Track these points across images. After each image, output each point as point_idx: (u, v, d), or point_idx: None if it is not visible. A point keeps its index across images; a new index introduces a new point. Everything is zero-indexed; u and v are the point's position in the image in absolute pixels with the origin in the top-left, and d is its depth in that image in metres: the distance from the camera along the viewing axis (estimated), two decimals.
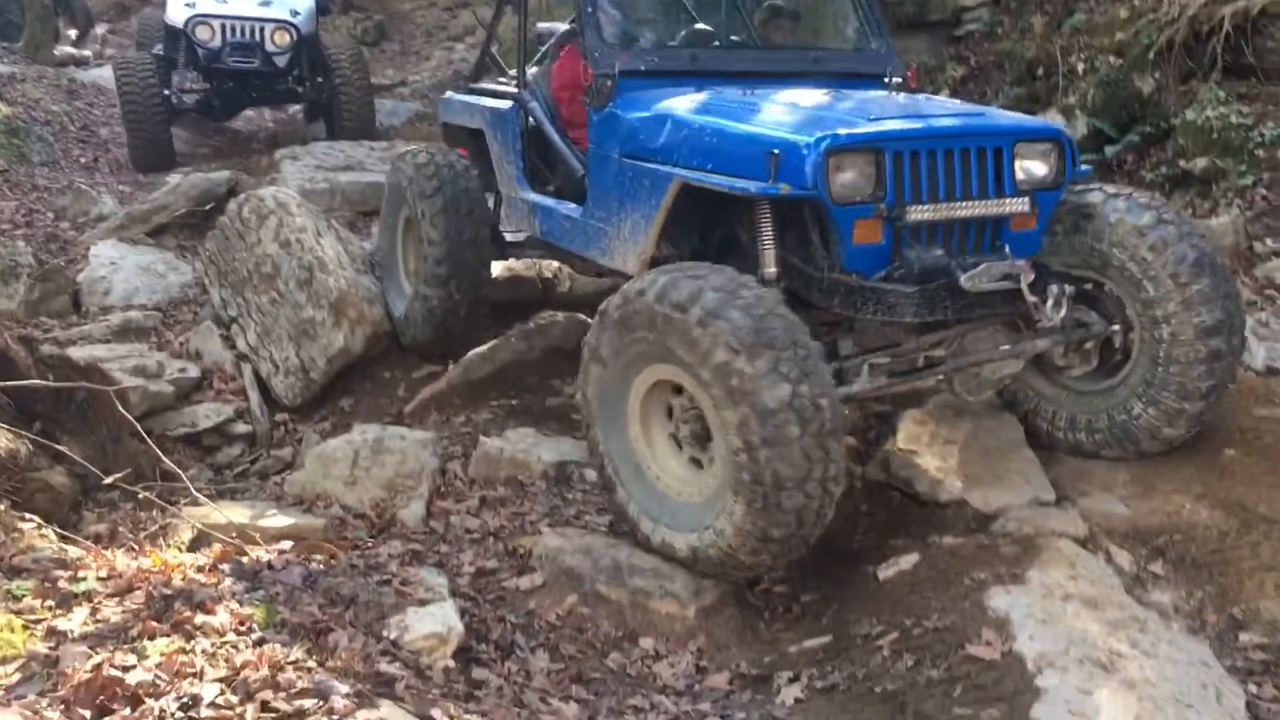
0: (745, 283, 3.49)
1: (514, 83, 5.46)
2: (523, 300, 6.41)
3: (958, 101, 5.00)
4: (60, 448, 4.13)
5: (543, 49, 5.65)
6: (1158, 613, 3.41)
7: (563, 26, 5.80)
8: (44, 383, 4.31)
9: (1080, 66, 7.31)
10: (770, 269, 3.82)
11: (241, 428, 5.61)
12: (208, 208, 7.71)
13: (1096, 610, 3.35)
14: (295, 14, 10.39)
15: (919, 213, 3.75)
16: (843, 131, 3.71)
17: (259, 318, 6.04)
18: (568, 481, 4.61)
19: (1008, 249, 3.89)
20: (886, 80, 4.86)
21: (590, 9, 4.60)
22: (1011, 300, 3.79)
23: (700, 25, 5.12)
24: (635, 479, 3.91)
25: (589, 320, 6.06)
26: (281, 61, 10.30)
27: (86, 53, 14.75)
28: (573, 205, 4.85)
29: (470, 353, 5.80)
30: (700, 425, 3.64)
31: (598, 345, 3.86)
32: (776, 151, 3.65)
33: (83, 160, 10.21)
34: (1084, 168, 4.23)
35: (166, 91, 9.86)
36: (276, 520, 4.24)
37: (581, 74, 4.62)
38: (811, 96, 4.35)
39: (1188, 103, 6.54)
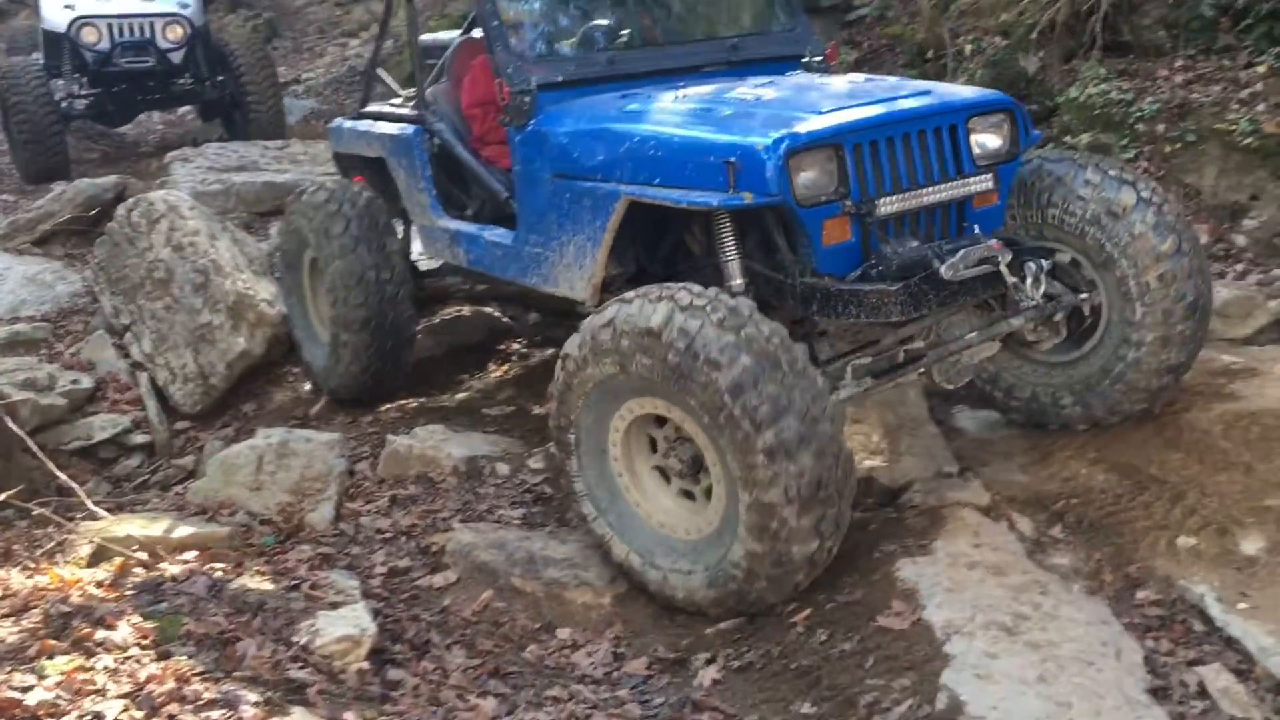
0: (736, 308, 3.24)
1: (411, 104, 5.13)
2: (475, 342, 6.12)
3: (891, 79, 4.77)
4: None
5: (438, 64, 5.24)
6: (1058, 576, 3.50)
7: (446, 36, 5.58)
8: None
9: (968, 48, 7.47)
10: (737, 281, 3.60)
11: (140, 438, 5.48)
12: (94, 214, 7.50)
13: (1001, 576, 3.44)
14: (185, 6, 10.00)
15: (889, 204, 3.58)
16: (800, 129, 3.48)
17: (154, 324, 5.88)
18: (479, 476, 4.58)
19: (977, 229, 3.74)
20: (806, 60, 4.69)
21: (495, 23, 4.30)
22: (992, 283, 3.64)
23: (604, 22, 4.82)
24: (623, 520, 3.66)
25: (495, 315, 6.09)
26: (177, 58, 9.88)
27: None
28: (501, 230, 4.52)
29: None
30: (691, 456, 3.44)
31: (567, 386, 3.59)
32: (733, 159, 3.43)
33: None
34: (1035, 133, 4.08)
35: (57, 98, 9.41)
36: (179, 530, 4.13)
37: (497, 91, 4.30)
38: (747, 91, 4.08)
39: (1071, 80, 6.71)
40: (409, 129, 4.97)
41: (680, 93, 4.10)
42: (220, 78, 10.17)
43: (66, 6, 9.69)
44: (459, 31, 5.49)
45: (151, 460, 5.40)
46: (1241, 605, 3.29)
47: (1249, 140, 5.65)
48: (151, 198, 6.24)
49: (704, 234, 3.96)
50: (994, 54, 7.23)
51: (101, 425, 5.41)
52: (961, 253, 3.51)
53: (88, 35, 9.51)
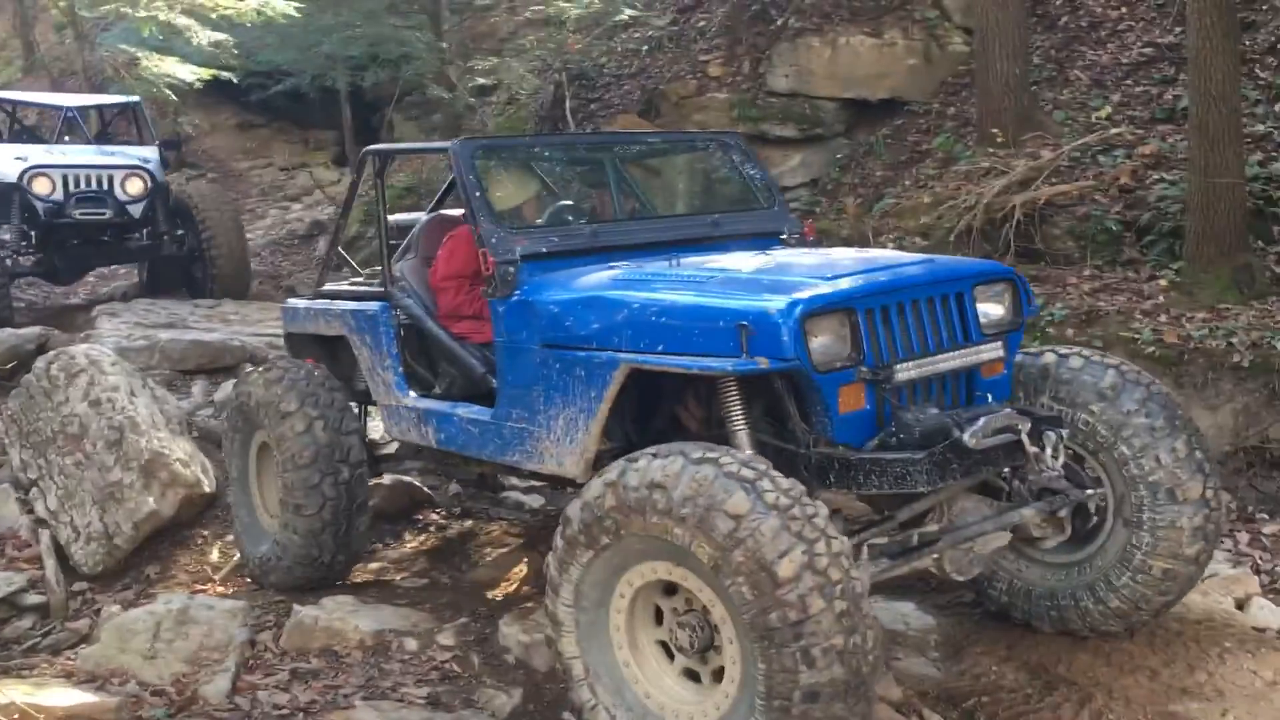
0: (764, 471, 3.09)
1: (373, 281, 5.09)
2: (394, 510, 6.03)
3: (884, 251, 4.84)
4: None
5: (404, 241, 5.22)
6: None
7: (411, 216, 5.58)
8: None
9: (890, 246, 7.81)
10: (746, 451, 3.39)
11: (34, 598, 5.26)
12: (11, 365, 7.36)
13: None
14: (145, 161, 9.73)
15: (906, 370, 3.50)
16: (814, 293, 3.41)
17: (62, 480, 5.74)
18: (386, 651, 4.45)
19: (990, 398, 3.71)
20: (785, 238, 4.72)
21: (478, 194, 4.27)
22: (1013, 453, 3.53)
23: (573, 200, 4.88)
24: (621, 703, 3.37)
25: (416, 483, 6.03)
26: (136, 211, 9.42)
27: None
28: (477, 407, 4.36)
29: None
30: (703, 630, 3.20)
31: (567, 554, 3.35)
32: (746, 323, 3.31)
33: None
34: (1034, 305, 4.10)
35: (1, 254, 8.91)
36: (65, 699, 3.95)
37: (476, 262, 4.26)
38: (742, 261, 4.07)
39: None
40: (374, 305, 4.84)
41: (673, 262, 4.06)
42: (180, 232, 9.81)
43: (18, 158, 9.37)
44: (426, 211, 5.47)
45: (44, 622, 5.17)
46: None
47: (1151, 349, 5.91)
48: (73, 351, 6.17)
49: (701, 406, 3.87)
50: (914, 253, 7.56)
51: None
52: (983, 420, 3.44)
53: (40, 185, 9.11)
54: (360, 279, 5.41)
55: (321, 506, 4.82)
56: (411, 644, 4.49)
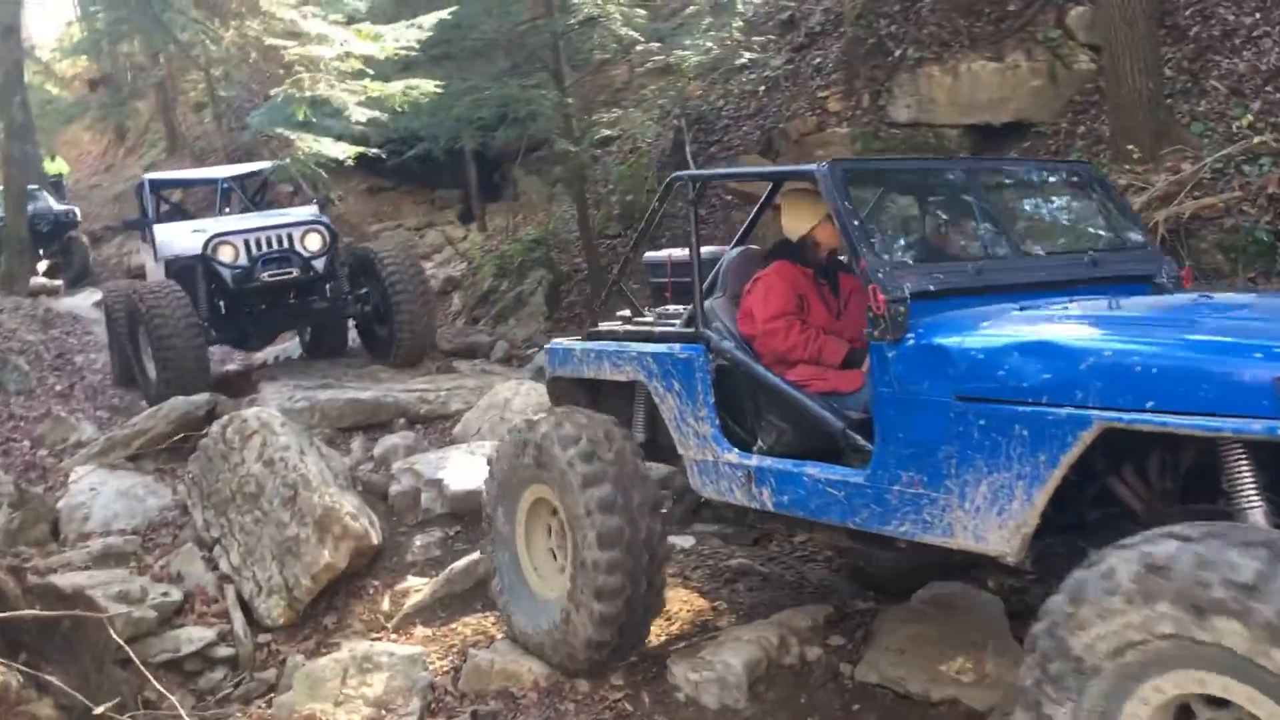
0: None
1: (668, 321, 4.71)
2: None
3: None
4: (49, 678, 4.08)
5: (710, 276, 4.74)
6: None
7: (679, 252, 5.11)
8: (36, 613, 4.30)
9: None
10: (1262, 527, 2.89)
11: (224, 650, 5.55)
12: (179, 435, 7.76)
13: None
14: (318, 216, 9.76)
15: None
16: None
17: (242, 538, 6.06)
18: (559, 692, 4.59)
19: None
20: (1160, 281, 4.23)
21: (857, 222, 3.81)
22: None
23: (946, 233, 4.48)
24: None
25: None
26: (319, 266, 9.36)
27: (58, 282, 15.12)
28: (841, 468, 3.86)
29: (452, 564, 5.84)
30: None
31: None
32: None
33: (58, 388, 10.33)
34: None
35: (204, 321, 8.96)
36: None
37: (795, 300, 4.10)
38: (1183, 303, 3.54)
39: None
40: (685, 348, 4.42)
41: (1114, 305, 3.56)
42: (364, 290, 9.60)
43: (195, 230, 9.53)
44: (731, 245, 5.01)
45: (235, 673, 5.46)
46: None
47: None
48: (245, 415, 6.52)
49: (1153, 476, 3.32)
50: None
51: (189, 638, 5.50)
52: None
53: (225, 253, 9.11)
54: (646, 319, 4.97)
55: (621, 589, 4.36)
56: (584, 685, 4.61)
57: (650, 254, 5.38)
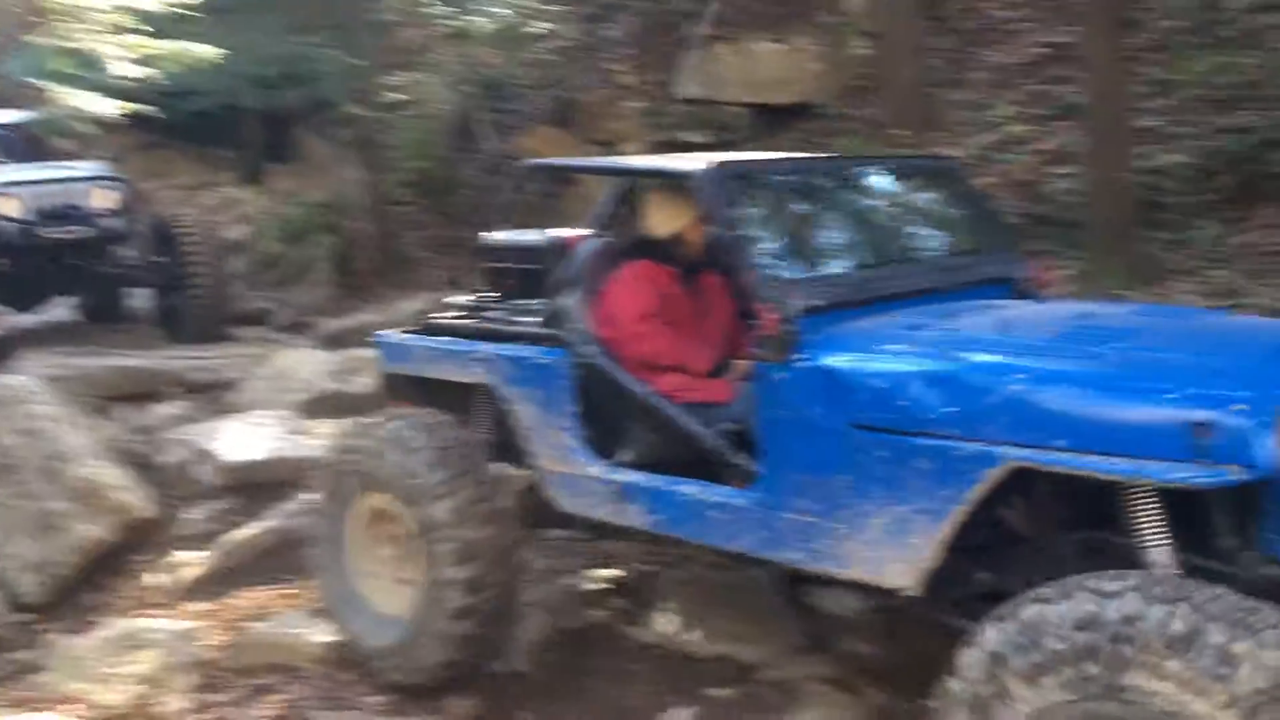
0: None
1: (525, 318, 4.27)
2: None
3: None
4: None
5: (567, 270, 4.23)
6: None
7: (527, 236, 4.61)
8: None
9: None
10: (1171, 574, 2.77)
11: None
12: None
13: None
14: (112, 172, 9.08)
15: None
16: (1275, 388, 2.79)
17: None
18: (340, 662, 4.55)
19: None
20: (1023, 283, 4.13)
21: (741, 233, 3.57)
22: None
23: (823, 238, 4.19)
24: None
25: None
26: (110, 227, 8.65)
27: None
28: (722, 488, 3.63)
29: (226, 537, 5.68)
30: None
31: None
32: (1204, 422, 2.69)
33: None
34: None
35: None
36: None
37: (659, 300, 3.92)
38: (1068, 328, 3.38)
39: None
40: (546, 353, 4.04)
41: (997, 322, 3.47)
42: (160, 259, 8.95)
43: None
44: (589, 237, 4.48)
45: None
46: None
47: None
48: (2, 382, 6.14)
49: (1047, 506, 3.20)
50: None
51: None
52: None
53: (7, 207, 8.34)
54: (495, 313, 4.49)
55: (479, 587, 4.00)
56: None
57: (488, 236, 4.79)
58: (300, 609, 5.01)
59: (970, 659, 2.58)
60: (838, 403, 3.26)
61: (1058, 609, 2.47)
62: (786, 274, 3.57)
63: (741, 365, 3.91)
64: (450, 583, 3.96)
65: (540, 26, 11.68)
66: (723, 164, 3.71)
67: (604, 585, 4.98)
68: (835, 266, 3.94)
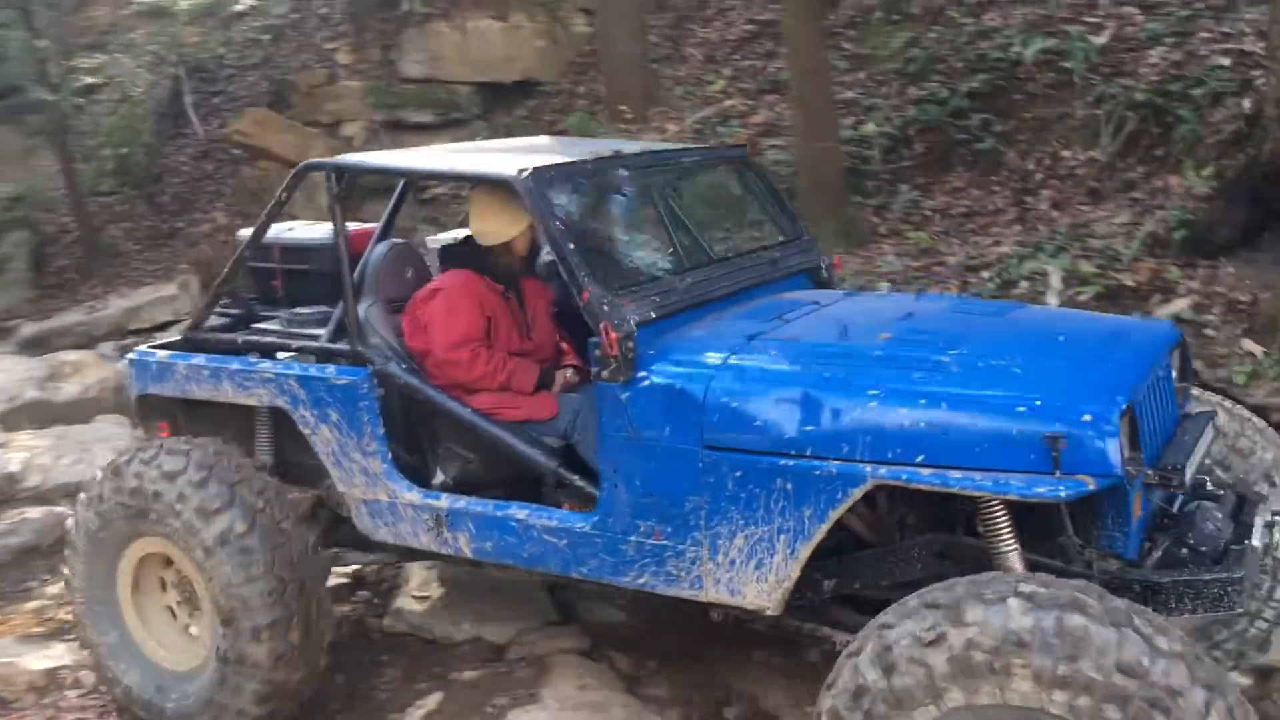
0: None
1: (309, 330, 3.90)
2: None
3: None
4: None
5: (357, 277, 3.86)
6: (655, 704, 3.81)
7: (313, 230, 4.19)
8: None
9: None
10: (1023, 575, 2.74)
11: None
12: None
13: (603, 713, 3.69)
14: None
15: (1192, 463, 2.97)
16: (1116, 388, 2.87)
17: None
18: (61, 689, 4.24)
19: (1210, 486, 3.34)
20: (821, 272, 4.18)
21: (573, 247, 3.32)
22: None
23: (643, 241, 4.09)
24: None
25: (65, 512, 5.66)
26: None
27: None
28: (559, 511, 3.42)
29: None
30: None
31: None
32: (1057, 433, 2.72)
33: None
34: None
35: None
36: None
37: (483, 318, 3.66)
38: (890, 316, 3.46)
39: None
40: (343, 371, 3.68)
41: (844, 332, 3.37)
42: None
43: None
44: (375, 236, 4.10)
45: None
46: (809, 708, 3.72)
47: None
48: None
49: (889, 511, 3.24)
50: None
51: None
52: (1260, 518, 3.09)
53: None
54: (268, 324, 4.11)
55: (277, 627, 3.56)
56: (88, 677, 4.29)
57: (244, 231, 4.25)
58: (9, 635, 4.64)
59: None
60: (688, 423, 3.12)
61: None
62: (619, 287, 3.38)
63: (564, 378, 3.78)
64: (244, 605, 3.53)
65: (244, 2, 11.16)
66: (540, 167, 3.43)
67: (348, 579, 4.86)
68: (661, 272, 3.81)
